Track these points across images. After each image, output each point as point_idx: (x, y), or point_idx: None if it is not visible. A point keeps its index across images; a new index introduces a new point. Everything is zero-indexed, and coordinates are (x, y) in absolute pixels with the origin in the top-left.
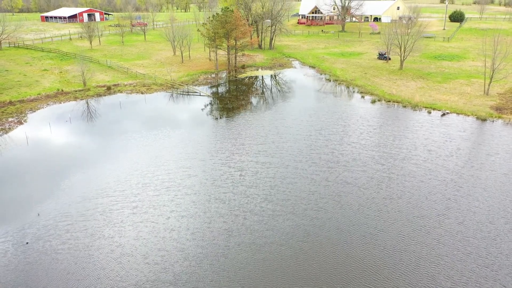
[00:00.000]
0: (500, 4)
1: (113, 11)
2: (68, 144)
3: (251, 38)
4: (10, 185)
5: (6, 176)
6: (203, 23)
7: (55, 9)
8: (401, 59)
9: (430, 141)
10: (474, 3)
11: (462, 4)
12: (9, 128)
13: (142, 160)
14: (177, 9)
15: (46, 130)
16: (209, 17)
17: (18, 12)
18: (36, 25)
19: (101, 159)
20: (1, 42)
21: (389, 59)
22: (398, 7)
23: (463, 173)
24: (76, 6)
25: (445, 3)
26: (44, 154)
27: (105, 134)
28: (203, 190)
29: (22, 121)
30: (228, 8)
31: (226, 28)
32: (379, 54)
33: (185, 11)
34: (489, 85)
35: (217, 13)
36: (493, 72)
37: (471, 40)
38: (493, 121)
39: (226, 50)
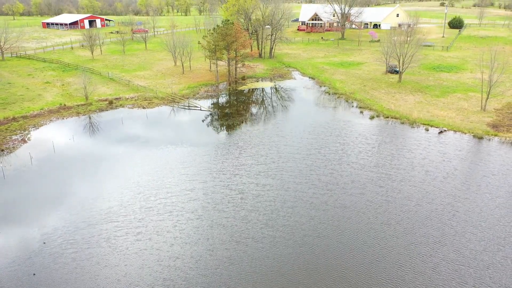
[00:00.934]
0: (500, 7)
1: (113, 14)
2: (72, 165)
3: (251, 50)
4: (15, 209)
5: (11, 201)
6: (203, 36)
7: (56, 12)
8: (400, 71)
9: (427, 161)
10: (474, 5)
11: (462, 7)
12: (13, 147)
13: (145, 181)
14: (177, 11)
15: (49, 149)
16: (210, 30)
17: (20, 15)
18: (38, 32)
19: (104, 181)
20: (4, 52)
21: (400, 72)
22: (398, 14)
23: (459, 196)
24: (77, 9)
25: (444, 5)
26: (47, 176)
27: (107, 154)
28: (205, 215)
29: (26, 139)
30: (228, 20)
31: (226, 41)
32: (390, 67)
33: (186, 15)
34: (486, 101)
35: (217, 25)
36: (489, 89)
37: (469, 49)
38: (489, 140)
39: (227, 62)
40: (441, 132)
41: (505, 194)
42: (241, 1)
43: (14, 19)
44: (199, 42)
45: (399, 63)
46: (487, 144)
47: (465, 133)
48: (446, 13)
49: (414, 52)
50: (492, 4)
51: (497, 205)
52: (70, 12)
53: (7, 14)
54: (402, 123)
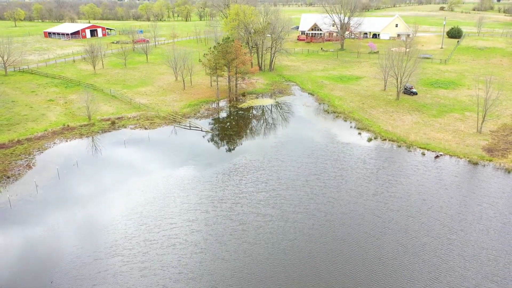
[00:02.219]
0: (499, 11)
1: (114, 19)
2: (76, 194)
3: (251, 66)
4: (22, 243)
5: (18, 233)
6: (204, 54)
7: (57, 17)
8: (397, 90)
9: (424, 188)
10: (474, 9)
11: (462, 12)
12: (19, 174)
13: (147, 211)
14: (178, 16)
15: (54, 175)
16: (210, 48)
17: (22, 20)
18: (40, 42)
19: (108, 211)
20: (7, 67)
21: (416, 93)
22: (397, 24)
23: (454, 227)
24: (78, 15)
25: (444, 10)
26: (52, 206)
27: (110, 181)
28: (208, 248)
29: (31, 164)
30: (229, 38)
31: (226, 59)
32: (405, 89)
33: (186, 20)
34: (481, 123)
35: (218, 43)
36: (485, 112)
37: (467, 62)
38: (484, 166)
39: (227, 78)
40: (437, 156)
41: (498, 226)
42: (241, 16)
43: (15, 25)
44: (200, 60)
45: (397, 81)
46: (482, 170)
47: (461, 158)
48: (444, 24)
49: (412, 71)
50: (491, 8)
51: (491, 238)
52: (71, 18)
53: (9, 20)
54: (399, 146)
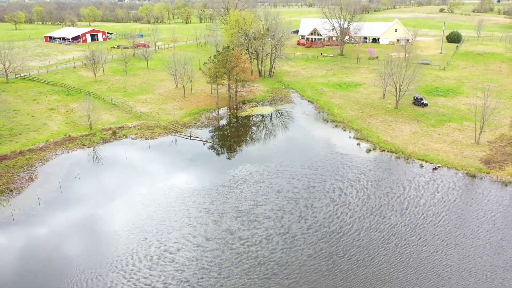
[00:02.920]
0: (499, 13)
1: (115, 21)
2: (77, 207)
3: (251, 73)
4: (26, 259)
5: (21, 248)
6: (204, 62)
7: (57, 20)
8: (396, 99)
9: (422, 201)
10: (473, 11)
11: (461, 14)
12: (21, 187)
13: (148, 226)
14: (178, 18)
15: (56, 189)
16: (210, 56)
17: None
18: (40, 47)
19: (110, 226)
20: (8, 75)
21: (426, 105)
22: (396, 29)
23: (452, 242)
24: (78, 17)
25: (444, 11)
26: (55, 220)
27: (111, 194)
28: (209, 264)
29: (33, 177)
30: (229, 46)
31: (226, 67)
32: (415, 100)
33: (186, 23)
34: (479, 134)
35: (218, 51)
36: (483, 123)
37: (466, 68)
38: (481, 178)
39: (227, 86)
40: (435, 168)
41: (495, 241)
42: (241, 23)
43: (16, 28)
44: (200, 69)
45: (396, 90)
46: (479, 183)
47: (459, 170)
48: (444, 30)
49: (411, 80)
50: (491, 10)
51: (488, 254)
52: (71, 21)
53: (9, 22)
54: (398, 157)
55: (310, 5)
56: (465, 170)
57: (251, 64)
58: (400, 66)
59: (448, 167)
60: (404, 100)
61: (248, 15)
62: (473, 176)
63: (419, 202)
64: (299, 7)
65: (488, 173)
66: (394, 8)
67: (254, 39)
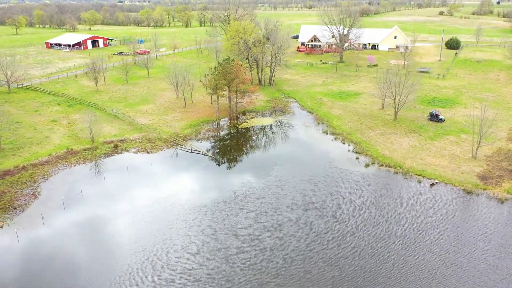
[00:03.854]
0: (498, 15)
1: (115, 24)
2: (81, 225)
3: (251, 84)
4: (29, 279)
5: (26, 269)
6: (205, 74)
7: (58, 23)
8: (395, 110)
9: (420, 218)
10: (473, 13)
11: (461, 17)
12: (25, 205)
13: (151, 244)
14: (178, 21)
15: (59, 206)
16: (211, 68)
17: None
18: (42, 54)
19: (112, 245)
20: (10, 84)
21: (443, 120)
22: (395, 36)
23: (449, 261)
24: (78, 21)
25: (443, 14)
26: (58, 240)
27: (113, 211)
28: (211, 284)
29: (37, 193)
30: (229, 58)
31: (227, 79)
32: (431, 115)
33: (186, 26)
34: (477, 149)
35: (219, 63)
36: (480, 138)
37: (465, 76)
38: (478, 195)
39: (228, 98)
40: (432, 184)
41: (491, 261)
42: (241, 33)
43: (16, 33)
44: (200, 81)
45: (394, 101)
46: (476, 200)
47: (456, 186)
48: (442, 38)
49: (409, 92)
50: (491, 12)
51: (484, 273)
52: (72, 25)
53: (9, 25)
54: (396, 172)
55: (310, 7)
56: (462, 186)
57: (251, 75)
58: (399, 80)
59: (445, 182)
60: (402, 112)
61: (248, 25)
62: (470, 192)
63: (417, 219)
64: (299, 9)
65: (484, 189)
66: (394, 10)
67: (254, 45)
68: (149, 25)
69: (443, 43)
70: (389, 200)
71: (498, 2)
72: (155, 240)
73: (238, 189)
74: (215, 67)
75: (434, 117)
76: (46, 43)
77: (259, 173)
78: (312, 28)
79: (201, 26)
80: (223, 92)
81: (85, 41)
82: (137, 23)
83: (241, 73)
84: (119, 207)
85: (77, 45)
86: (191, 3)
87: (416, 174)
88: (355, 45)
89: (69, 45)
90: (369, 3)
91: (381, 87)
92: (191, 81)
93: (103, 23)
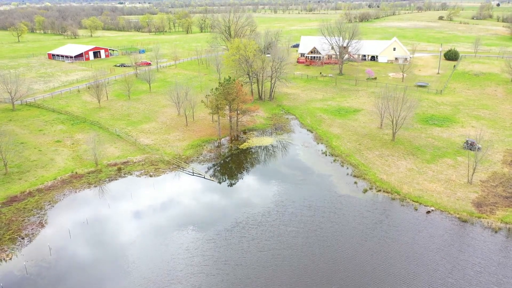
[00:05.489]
0: (498, 20)
1: (116, 30)
2: (87, 256)
3: (251, 99)
4: None
5: None
6: (206, 95)
7: (59, 30)
8: (393, 131)
9: (417, 246)
10: (473, 18)
11: (460, 23)
12: (32, 234)
13: (155, 276)
14: (179, 26)
15: (66, 235)
16: (212, 89)
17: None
18: (44, 66)
19: (118, 278)
20: (14, 102)
21: (480, 149)
22: (394, 48)
23: None
24: (79, 24)
25: (443, 19)
26: (65, 271)
27: (118, 241)
28: None
29: (43, 222)
30: (230, 78)
31: (228, 99)
32: (466, 143)
33: (187, 33)
34: (472, 174)
35: (220, 83)
36: (475, 165)
37: (462, 91)
38: (473, 224)
39: (229, 117)
40: (429, 212)
41: None
42: (242, 51)
43: (18, 40)
44: (202, 101)
45: (392, 123)
46: (471, 229)
47: (451, 214)
48: (441, 51)
49: (407, 115)
50: (490, 16)
51: None
52: (73, 33)
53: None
54: (393, 199)
55: (310, 10)
56: (458, 214)
57: (251, 91)
58: (396, 103)
59: (441, 210)
60: (400, 131)
61: (249, 42)
62: (465, 221)
63: (413, 248)
64: (299, 12)
65: (479, 217)
66: (393, 14)
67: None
68: (150, 31)
69: (442, 54)
70: (387, 228)
71: (498, 4)
72: (159, 272)
73: (240, 216)
74: (217, 87)
75: (470, 146)
76: (48, 54)
77: (260, 198)
78: (312, 39)
79: (201, 32)
80: (225, 112)
81: (87, 52)
82: (138, 29)
83: (241, 93)
84: (124, 237)
85: (79, 56)
86: (192, 6)
87: (413, 201)
88: (354, 56)
89: (71, 57)
90: (369, 6)
91: (380, 108)
92: (192, 98)
93: (104, 29)
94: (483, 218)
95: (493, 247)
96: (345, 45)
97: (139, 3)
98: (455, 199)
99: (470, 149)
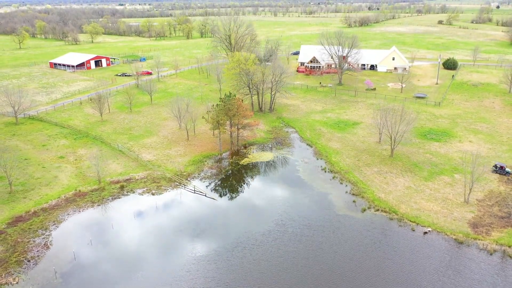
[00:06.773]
0: (497, 24)
1: (117, 34)
2: (91, 280)
3: (252, 113)
4: None
5: None
6: (207, 111)
7: (60, 35)
8: (391, 147)
9: (414, 267)
10: (472, 21)
11: (459, 27)
12: (38, 257)
13: None
14: (179, 31)
15: (70, 258)
16: (213, 105)
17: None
18: (46, 75)
19: None
20: (17, 116)
21: (510, 174)
22: (393, 57)
23: None
24: (80, 28)
25: (443, 23)
26: None
27: (121, 263)
28: None
29: (48, 243)
30: (230, 94)
31: (228, 115)
32: (495, 167)
33: (188, 38)
34: (469, 194)
35: (220, 99)
36: (472, 184)
37: (461, 103)
38: (468, 245)
39: (229, 133)
40: (426, 233)
41: None
42: (242, 65)
43: (20, 47)
44: (203, 117)
45: (390, 139)
46: (467, 250)
47: (448, 235)
48: (439, 60)
49: (405, 131)
50: (490, 20)
51: None
52: (74, 38)
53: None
54: (391, 218)
55: (310, 13)
56: (454, 235)
57: (251, 103)
58: (395, 119)
59: (438, 231)
60: (400, 147)
61: (249, 56)
62: (461, 242)
63: (411, 269)
64: (299, 15)
65: (475, 239)
66: (393, 18)
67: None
68: (150, 36)
69: (441, 63)
70: (385, 247)
71: (498, 7)
72: None
73: (240, 235)
74: (217, 104)
75: (500, 170)
76: (50, 63)
77: (260, 217)
78: (312, 49)
79: (202, 37)
80: (225, 127)
81: (88, 61)
82: (139, 33)
83: (242, 109)
84: (127, 258)
85: (81, 65)
86: (192, 8)
87: (410, 221)
88: (354, 66)
89: (72, 66)
90: (369, 8)
91: (378, 124)
92: (193, 111)
93: (104, 33)
94: (479, 239)
95: (488, 268)
96: (344, 54)
97: (139, 4)
98: (452, 219)
99: (500, 174)
